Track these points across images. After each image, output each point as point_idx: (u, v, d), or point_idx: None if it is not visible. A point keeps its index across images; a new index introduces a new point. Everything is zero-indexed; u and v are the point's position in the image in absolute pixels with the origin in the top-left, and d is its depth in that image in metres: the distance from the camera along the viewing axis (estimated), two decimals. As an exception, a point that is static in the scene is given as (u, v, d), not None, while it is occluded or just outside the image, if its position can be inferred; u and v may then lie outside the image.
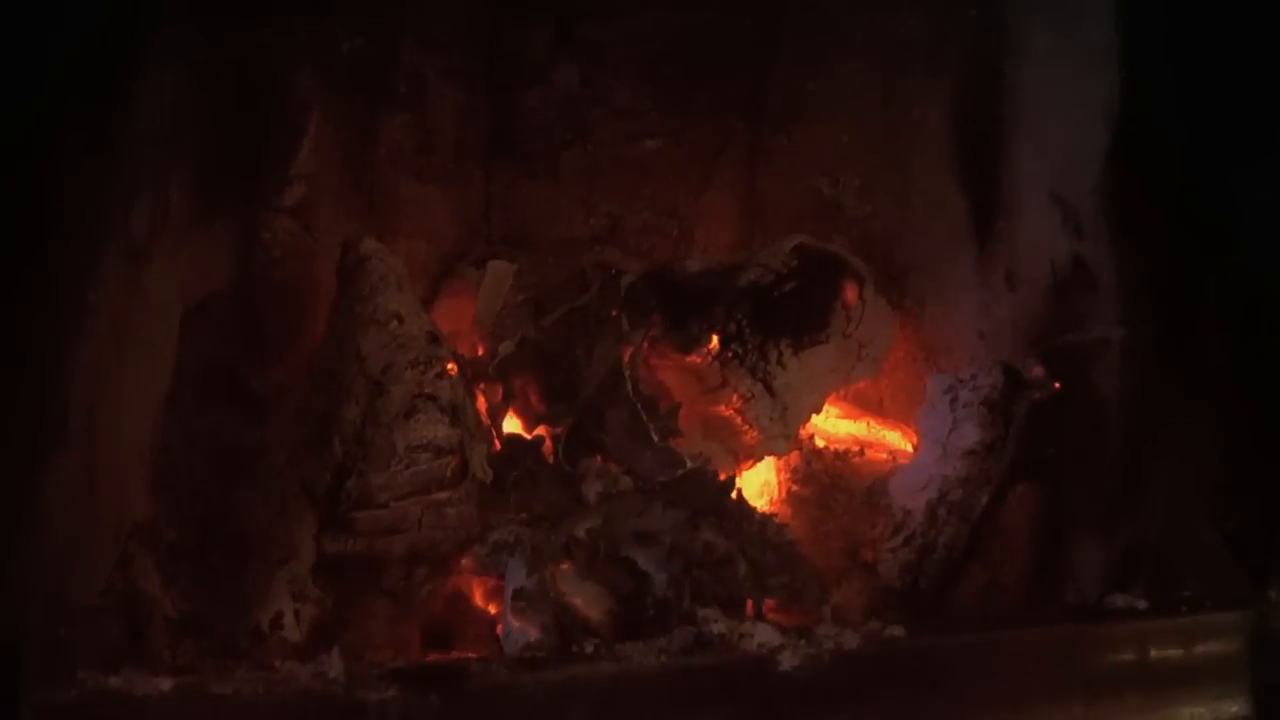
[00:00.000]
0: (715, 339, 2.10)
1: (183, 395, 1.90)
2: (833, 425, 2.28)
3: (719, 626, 1.53)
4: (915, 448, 2.16)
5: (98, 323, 1.54)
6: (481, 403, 2.04)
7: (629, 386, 1.97)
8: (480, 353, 2.15)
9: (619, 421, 1.96)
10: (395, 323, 1.87)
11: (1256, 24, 1.74)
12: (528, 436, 2.05)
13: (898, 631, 1.57)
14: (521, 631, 1.72)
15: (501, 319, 2.14)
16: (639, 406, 1.97)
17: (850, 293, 2.16)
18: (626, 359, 2.02)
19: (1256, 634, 1.67)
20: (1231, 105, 1.78)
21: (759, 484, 2.19)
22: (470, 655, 1.79)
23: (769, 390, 2.09)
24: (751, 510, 1.96)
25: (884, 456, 2.25)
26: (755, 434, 2.10)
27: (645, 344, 2.09)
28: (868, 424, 2.29)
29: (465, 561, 1.83)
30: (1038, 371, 2.02)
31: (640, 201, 2.36)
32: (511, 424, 2.10)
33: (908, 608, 1.94)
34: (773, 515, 2.00)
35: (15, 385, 1.37)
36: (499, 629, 1.81)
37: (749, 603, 1.78)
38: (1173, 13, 1.81)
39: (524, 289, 2.18)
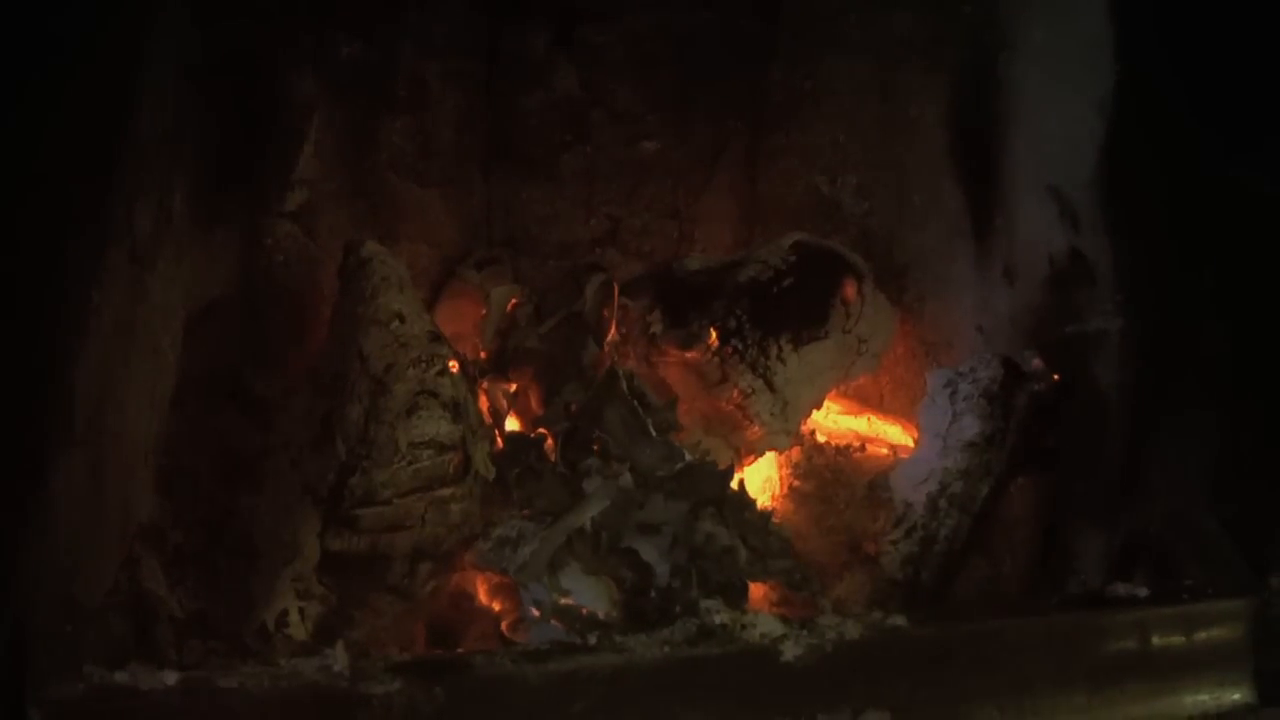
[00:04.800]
0: (715, 335, 2.11)
1: (188, 399, 1.92)
2: (833, 421, 2.29)
3: (721, 617, 1.53)
4: (916, 441, 2.16)
5: (102, 324, 1.55)
6: (483, 403, 2.04)
7: (623, 383, 1.97)
8: (482, 357, 2.16)
9: (616, 418, 1.97)
10: (397, 323, 1.87)
11: (1251, 14, 1.75)
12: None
13: (900, 621, 1.57)
14: (534, 625, 1.73)
15: (503, 329, 2.16)
16: (634, 402, 1.97)
17: (849, 289, 2.17)
18: (607, 350, 2.03)
19: (1258, 621, 1.68)
20: (1227, 94, 1.79)
21: (761, 480, 2.19)
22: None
23: (769, 386, 2.09)
24: (751, 500, 1.96)
25: (885, 451, 2.26)
26: (756, 429, 2.10)
27: (644, 340, 2.10)
28: (868, 419, 2.30)
29: (468, 557, 1.84)
30: (1037, 364, 2.03)
31: (640, 203, 2.36)
32: (512, 426, 2.11)
33: (910, 599, 1.94)
34: (770, 511, 2.00)
35: (21, 385, 1.38)
36: (504, 625, 1.82)
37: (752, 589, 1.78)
38: (1167, 2, 1.82)
39: (525, 297, 2.19)
